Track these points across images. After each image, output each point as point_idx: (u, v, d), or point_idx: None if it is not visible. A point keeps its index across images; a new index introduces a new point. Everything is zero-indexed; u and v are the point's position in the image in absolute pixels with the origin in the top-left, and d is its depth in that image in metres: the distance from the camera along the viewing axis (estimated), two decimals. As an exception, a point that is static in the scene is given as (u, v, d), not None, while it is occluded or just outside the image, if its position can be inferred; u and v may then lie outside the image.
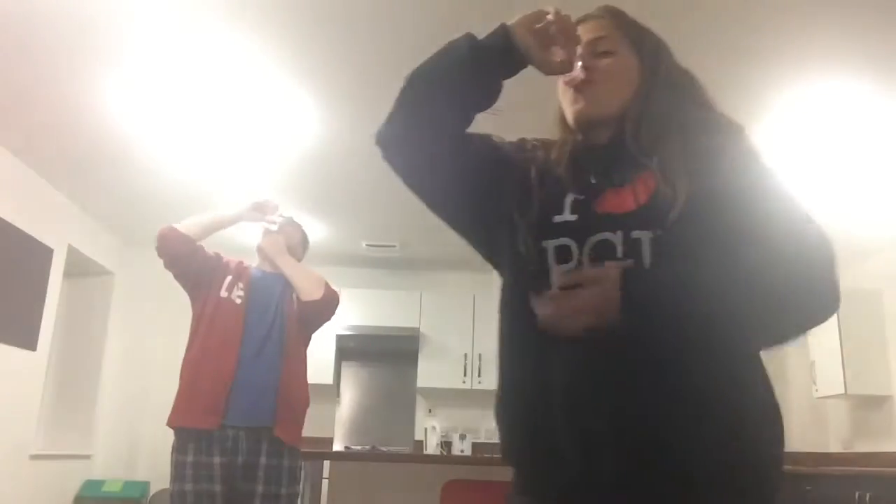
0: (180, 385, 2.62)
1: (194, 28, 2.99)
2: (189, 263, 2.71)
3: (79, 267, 5.55)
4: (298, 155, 4.16)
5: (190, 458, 2.50)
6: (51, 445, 5.34)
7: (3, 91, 3.59)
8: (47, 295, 4.92)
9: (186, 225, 2.73)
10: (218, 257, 2.80)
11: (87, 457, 5.64)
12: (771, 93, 3.31)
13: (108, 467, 5.76)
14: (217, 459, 2.50)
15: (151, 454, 5.88)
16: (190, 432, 2.53)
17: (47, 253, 4.89)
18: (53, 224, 4.94)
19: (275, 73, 3.31)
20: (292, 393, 2.69)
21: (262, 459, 2.57)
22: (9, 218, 4.39)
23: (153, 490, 5.65)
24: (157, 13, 2.89)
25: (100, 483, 5.55)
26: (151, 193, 4.86)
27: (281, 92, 3.48)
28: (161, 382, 6.08)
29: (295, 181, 4.59)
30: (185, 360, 2.67)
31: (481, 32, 1.13)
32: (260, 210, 2.88)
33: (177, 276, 2.75)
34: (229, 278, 2.74)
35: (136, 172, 4.52)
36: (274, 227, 2.91)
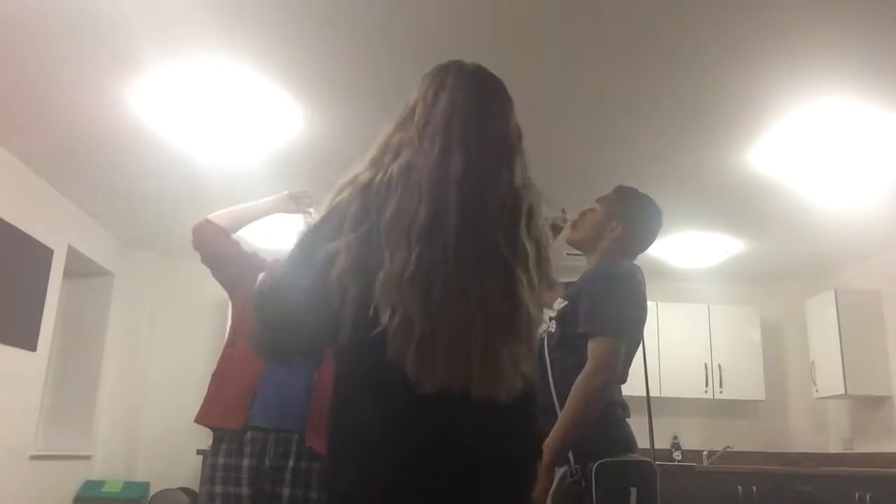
0: (210, 383, 2.53)
1: (193, 30, 2.99)
2: (222, 257, 2.61)
3: (79, 267, 5.55)
4: (298, 156, 4.15)
5: (221, 461, 2.41)
6: (51, 446, 5.33)
7: (3, 91, 3.59)
8: (47, 295, 4.92)
9: (218, 216, 2.64)
10: (255, 254, 2.68)
11: (87, 457, 5.63)
12: (782, 93, 3.32)
13: (108, 467, 5.74)
14: (246, 462, 2.41)
15: (151, 454, 5.89)
16: (222, 433, 2.45)
17: (47, 253, 4.88)
18: (53, 224, 4.93)
19: (277, 77, 3.32)
20: (328, 398, 2.53)
21: (290, 462, 2.43)
22: (9, 218, 4.38)
23: (153, 490, 5.64)
24: (156, 15, 2.89)
25: (100, 483, 5.54)
26: (151, 194, 4.86)
27: (281, 94, 3.48)
28: (161, 383, 6.14)
29: (295, 182, 4.56)
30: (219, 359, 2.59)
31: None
32: (296, 202, 2.77)
33: (215, 273, 2.64)
34: (262, 274, 2.65)
35: (136, 173, 4.51)
36: (311, 219, 2.85)
